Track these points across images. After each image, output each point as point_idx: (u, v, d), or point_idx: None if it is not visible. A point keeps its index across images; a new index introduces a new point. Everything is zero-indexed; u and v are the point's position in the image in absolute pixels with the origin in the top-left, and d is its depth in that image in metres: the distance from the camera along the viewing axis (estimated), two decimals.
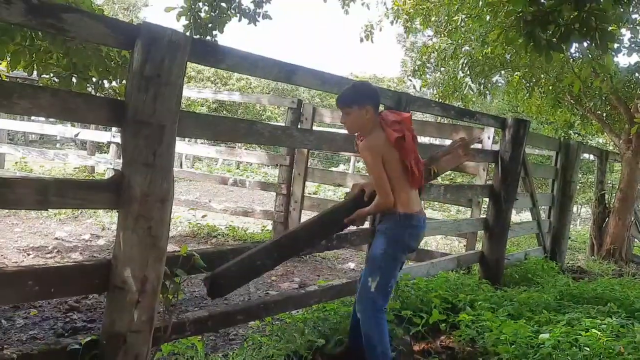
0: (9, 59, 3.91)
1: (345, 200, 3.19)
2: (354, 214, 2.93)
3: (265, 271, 2.93)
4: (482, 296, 4.22)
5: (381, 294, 2.85)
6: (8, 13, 1.86)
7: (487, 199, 5.57)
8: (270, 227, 7.24)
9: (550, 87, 9.79)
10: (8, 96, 1.92)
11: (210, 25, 5.77)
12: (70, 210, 7.44)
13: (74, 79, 4.18)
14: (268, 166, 15.86)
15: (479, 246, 6.14)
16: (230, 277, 2.66)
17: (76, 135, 8.44)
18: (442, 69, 11.99)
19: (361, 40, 11.43)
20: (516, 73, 10.25)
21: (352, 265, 6.44)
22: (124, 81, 4.32)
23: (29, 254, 5.39)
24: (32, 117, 10.38)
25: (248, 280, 2.87)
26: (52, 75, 4.28)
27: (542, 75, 9.49)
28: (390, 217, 2.87)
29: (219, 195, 11.58)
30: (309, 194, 7.12)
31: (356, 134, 2.99)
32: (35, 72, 4.14)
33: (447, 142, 9.98)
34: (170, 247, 2.43)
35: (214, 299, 2.81)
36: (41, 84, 4.28)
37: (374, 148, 2.80)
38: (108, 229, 6.91)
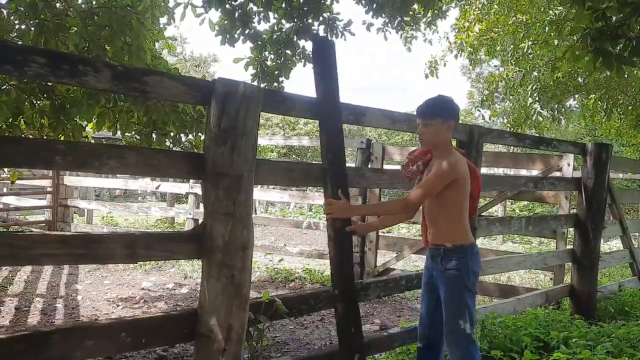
0: (95, 120, 4.19)
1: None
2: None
3: None
4: (576, 333, 3.97)
5: (473, 329, 2.78)
6: (96, 80, 2.01)
7: (572, 229, 5.30)
8: None
9: (630, 108, 9.35)
10: (99, 157, 2.05)
11: (276, 72, 5.94)
12: None
13: (153, 135, 4.41)
14: None
15: (567, 279, 5.83)
16: None
17: (157, 187, 8.83)
18: (511, 97, 11.75)
19: (426, 76, 11.43)
20: (591, 96, 9.88)
21: None
22: (199, 134, 4.51)
23: (118, 305, 5.62)
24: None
25: None
26: (133, 132, 4.54)
27: (620, 96, 9.10)
28: (458, 251, 2.78)
29: (293, 238, 11.67)
30: (383, 233, 7.02)
31: (406, 160, 2.97)
32: (118, 132, 4.41)
33: (523, 172, 9.70)
34: (251, 293, 2.46)
35: None
36: (124, 142, 4.55)
37: (454, 171, 2.69)
38: (190, 277, 7.10)
